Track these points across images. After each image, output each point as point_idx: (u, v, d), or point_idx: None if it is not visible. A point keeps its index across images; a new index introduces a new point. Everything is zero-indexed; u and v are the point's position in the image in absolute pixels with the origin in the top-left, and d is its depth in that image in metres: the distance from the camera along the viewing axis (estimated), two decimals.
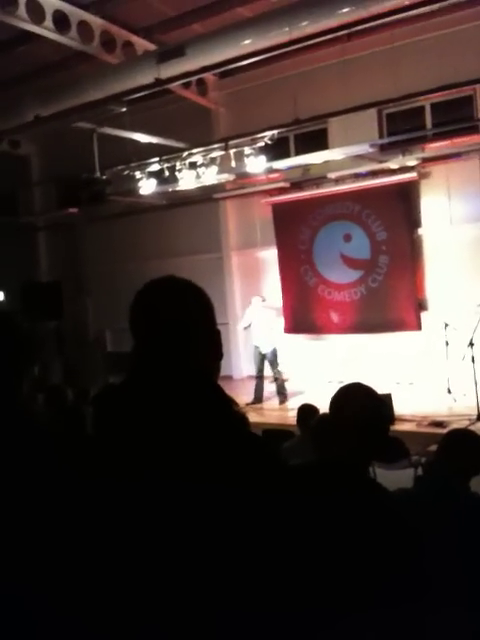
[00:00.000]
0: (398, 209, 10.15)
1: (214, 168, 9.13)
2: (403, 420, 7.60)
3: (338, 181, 10.37)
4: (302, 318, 11.11)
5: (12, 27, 7.88)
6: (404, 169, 9.77)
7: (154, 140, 9.85)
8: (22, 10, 7.70)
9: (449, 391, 8.53)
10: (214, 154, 9.06)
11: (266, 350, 9.45)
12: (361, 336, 10.45)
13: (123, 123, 9.35)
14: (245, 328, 9.76)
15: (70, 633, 1.29)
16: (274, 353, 9.46)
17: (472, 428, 6.03)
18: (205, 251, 11.94)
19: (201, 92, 11.23)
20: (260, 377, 9.56)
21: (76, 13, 8.31)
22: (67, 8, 8.18)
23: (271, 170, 9.72)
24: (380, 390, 2.17)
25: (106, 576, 1.24)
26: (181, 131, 10.17)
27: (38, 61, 9.79)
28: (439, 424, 7.30)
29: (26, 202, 14.18)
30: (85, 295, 13.37)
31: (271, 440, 5.03)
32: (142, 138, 9.78)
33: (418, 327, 10.01)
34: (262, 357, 9.52)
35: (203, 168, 9.13)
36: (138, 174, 9.49)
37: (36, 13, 7.85)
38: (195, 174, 9.21)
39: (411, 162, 9.63)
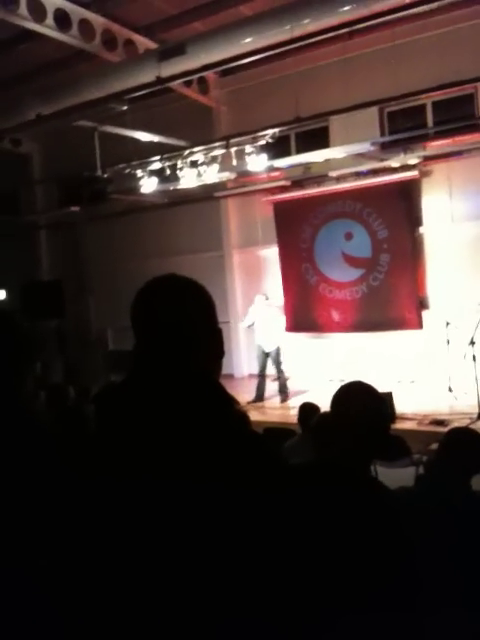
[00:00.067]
0: (399, 207, 10.13)
1: (215, 166, 9.11)
2: (404, 419, 7.61)
3: (339, 179, 10.37)
4: (303, 317, 11.09)
5: (13, 25, 7.88)
6: (405, 167, 9.75)
7: (155, 138, 9.86)
8: (23, 8, 7.70)
9: (450, 389, 8.53)
10: (215, 152, 9.04)
11: (269, 349, 9.45)
12: (362, 335, 10.42)
13: (124, 121, 9.36)
14: (248, 326, 9.75)
15: (70, 633, 1.29)
16: (278, 351, 9.46)
17: (473, 426, 6.02)
18: (206, 249, 11.93)
19: (202, 90, 11.22)
20: (262, 375, 9.54)
21: (77, 11, 8.31)
22: (68, 6, 8.18)
23: (272, 168, 9.70)
24: (381, 388, 2.17)
25: (107, 575, 1.25)
26: (182, 129, 10.18)
27: (39, 59, 9.79)
28: (440, 422, 7.30)
29: (27, 201, 14.15)
30: (86, 294, 13.36)
31: (272, 439, 5.04)
32: (143, 136, 9.79)
33: (419, 325, 10.00)
34: (265, 356, 9.52)
35: (204, 166, 9.11)
36: (139, 172, 9.47)
37: (37, 11, 7.86)
38: (196, 172, 9.19)
39: (412, 160, 9.60)
